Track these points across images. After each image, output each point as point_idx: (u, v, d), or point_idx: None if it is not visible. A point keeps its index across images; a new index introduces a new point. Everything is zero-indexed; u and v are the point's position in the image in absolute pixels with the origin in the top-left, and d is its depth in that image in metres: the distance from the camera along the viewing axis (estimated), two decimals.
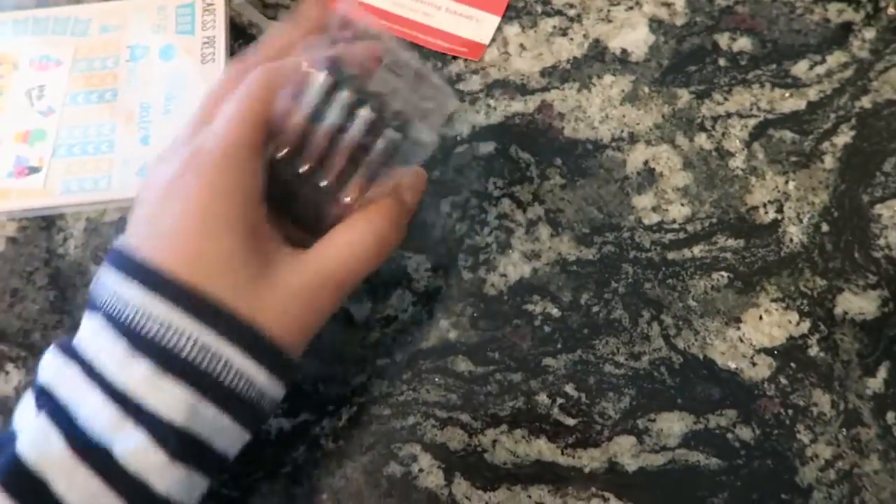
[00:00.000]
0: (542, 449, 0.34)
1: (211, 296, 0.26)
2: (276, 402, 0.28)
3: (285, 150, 0.28)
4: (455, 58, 0.41)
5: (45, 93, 0.41)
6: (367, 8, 0.42)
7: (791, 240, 0.36)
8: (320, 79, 0.28)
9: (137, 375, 0.25)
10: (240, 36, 0.42)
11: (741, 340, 0.35)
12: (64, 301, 0.37)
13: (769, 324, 0.35)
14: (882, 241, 0.36)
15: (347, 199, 0.29)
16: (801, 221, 0.36)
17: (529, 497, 0.33)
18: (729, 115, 0.38)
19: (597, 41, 0.40)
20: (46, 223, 0.39)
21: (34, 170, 0.40)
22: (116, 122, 0.40)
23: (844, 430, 0.33)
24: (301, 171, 0.29)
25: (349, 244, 0.29)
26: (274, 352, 0.27)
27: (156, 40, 0.42)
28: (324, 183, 0.29)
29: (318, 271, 0.28)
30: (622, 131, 0.38)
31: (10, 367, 0.36)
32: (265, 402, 0.27)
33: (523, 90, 0.40)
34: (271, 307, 0.27)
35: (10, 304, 0.37)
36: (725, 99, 0.39)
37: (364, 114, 0.28)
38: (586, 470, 0.33)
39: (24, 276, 0.38)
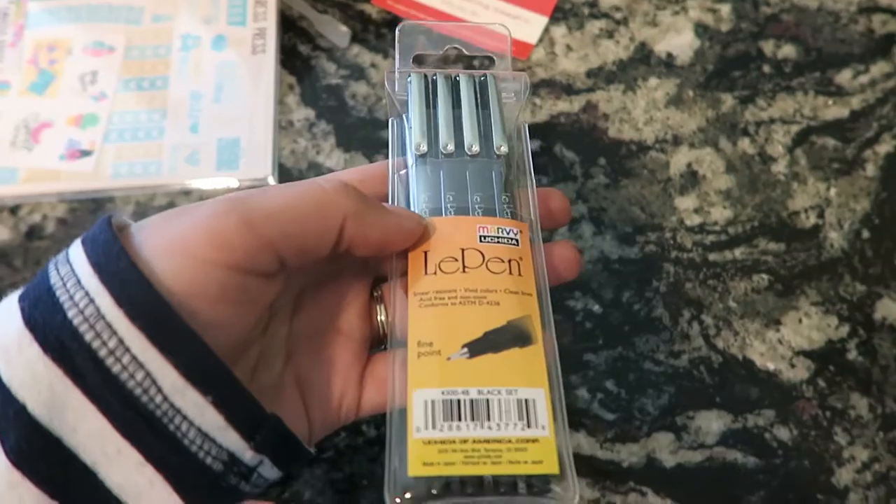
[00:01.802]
0: (581, 442, 0.34)
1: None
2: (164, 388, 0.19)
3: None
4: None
5: (98, 78, 0.42)
6: (414, 5, 0.43)
7: (832, 245, 0.37)
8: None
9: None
10: (290, 28, 0.43)
11: (780, 342, 0.35)
12: None
13: (808, 327, 0.36)
14: None
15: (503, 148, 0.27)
16: (841, 227, 0.37)
17: None
18: (772, 121, 0.39)
19: (642, 44, 0.41)
20: (96, 205, 0.40)
21: (85, 153, 0.40)
22: (167, 109, 0.41)
23: (881, 433, 0.34)
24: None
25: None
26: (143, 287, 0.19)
27: (207, 30, 0.43)
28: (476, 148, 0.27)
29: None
30: (666, 133, 0.39)
31: None
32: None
33: (569, 90, 0.40)
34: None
35: None
36: (769, 105, 0.39)
37: None
38: (624, 464, 0.34)
39: None
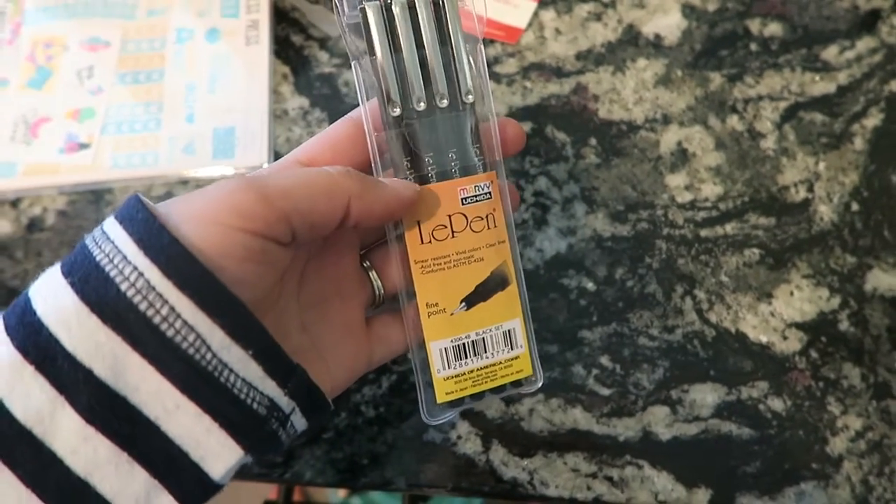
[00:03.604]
0: (578, 418, 0.35)
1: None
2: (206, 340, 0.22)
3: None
4: (492, 41, 0.42)
5: (95, 73, 0.43)
6: None
7: (821, 218, 0.37)
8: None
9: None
10: (283, 19, 0.44)
11: (773, 315, 0.36)
12: None
13: (800, 299, 0.36)
14: None
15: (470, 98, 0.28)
16: (831, 201, 0.37)
17: (565, 464, 0.34)
18: (760, 98, 0.39)
19: (630, 26, 0.41)
20: (95, 197, 0.40)
21: (84, 146, 0.41)
22: (163, 101, 0.42)
23: (874, 402, 0.34)
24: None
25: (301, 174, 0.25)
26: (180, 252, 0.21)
27: (201, 23, 0.43)
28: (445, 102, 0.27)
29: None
30: (656, 113, 0.39)
31: None
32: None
33: (559, 73, 0.41)
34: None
35: None
36: (757, 82, 0.40)
37: None
38: (621, 438, 0.34)
39: (72, 248, 0.39)
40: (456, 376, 0.29)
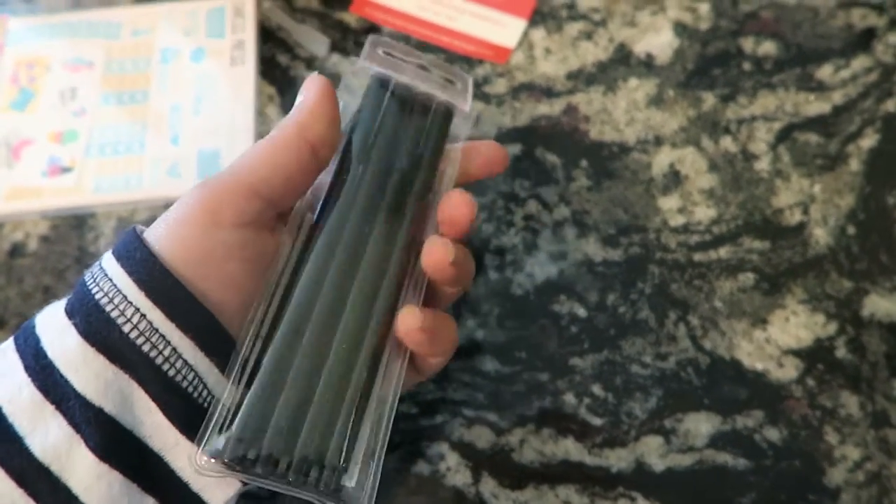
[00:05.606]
0: (570, 448, 0.34)
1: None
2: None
3: None
4: (481, 61, 0.41)
5: (78, 94, 0.42)
6: (392, 12, 0.43)
7: (817, 242, 0.36)
8: None
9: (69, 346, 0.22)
10: (269, 39, 0.43)
11: (768, 342, 0.35)
12: None
13: (796, 325, 0.35)
14: None
15: None
16: (826, 224, 0.37)
17: (556, 496, 0.33)
18: (754, 119, 0.39)
19: (622, 45, 0.41)
20: (78, 222, 0.40)
21: (66, 169, 0.40)
22: (147, 122, 0.41)
23: (872, 431, 0.33)
24: None
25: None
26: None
27: (186, 43, 0.43)
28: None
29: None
30: (647, 134, 0.39)
31: None
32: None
33: (549, 93, 0.40)
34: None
35: (43, 301, 0.38)
36: (750, 102, 0.39)
37: None
38: (613, 470, 0.33)
39: (55, 274, 0.39)
40: None
